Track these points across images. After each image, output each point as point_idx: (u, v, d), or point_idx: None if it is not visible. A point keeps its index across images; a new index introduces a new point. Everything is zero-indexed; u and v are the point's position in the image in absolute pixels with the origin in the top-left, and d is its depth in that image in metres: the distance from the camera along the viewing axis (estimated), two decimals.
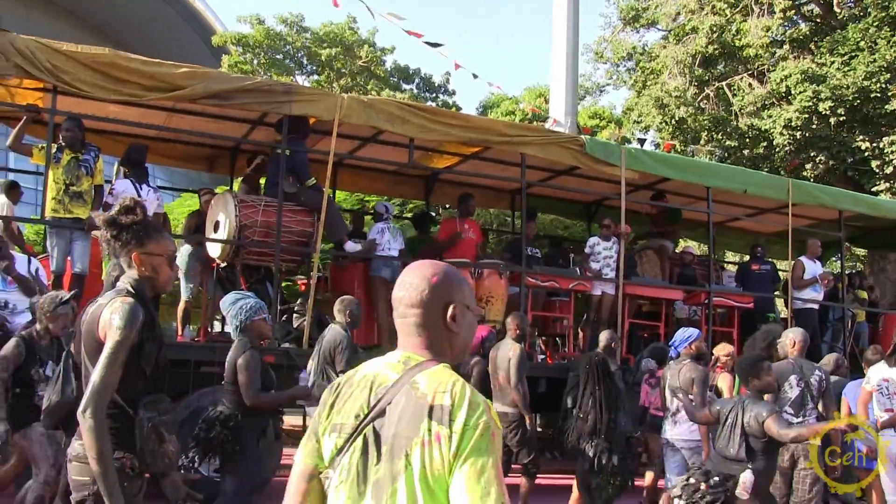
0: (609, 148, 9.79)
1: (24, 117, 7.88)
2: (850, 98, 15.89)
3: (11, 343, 5.79)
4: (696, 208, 11.28)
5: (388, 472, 1.85)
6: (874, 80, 15.75)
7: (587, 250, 9.99)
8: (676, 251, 11.70)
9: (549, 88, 19.28)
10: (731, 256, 16.25)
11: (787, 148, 16.85)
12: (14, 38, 7.54)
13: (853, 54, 16.35)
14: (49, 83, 7.72)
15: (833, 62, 16.59)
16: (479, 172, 10.55)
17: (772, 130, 16.95)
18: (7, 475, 6.04)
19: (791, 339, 6.92)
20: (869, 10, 16.64)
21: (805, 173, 16.99)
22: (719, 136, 18.28)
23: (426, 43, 15.57)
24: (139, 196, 8.06)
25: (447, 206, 12.07)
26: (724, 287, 10.62)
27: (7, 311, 7.38)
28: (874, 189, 16.36)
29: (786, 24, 18.54)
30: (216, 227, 8.55)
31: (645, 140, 24.48)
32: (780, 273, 11.74)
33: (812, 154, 16.85)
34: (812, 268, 10.71)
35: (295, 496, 2.03)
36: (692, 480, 4.98)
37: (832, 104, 15.95)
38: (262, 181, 9.71)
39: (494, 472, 1.78)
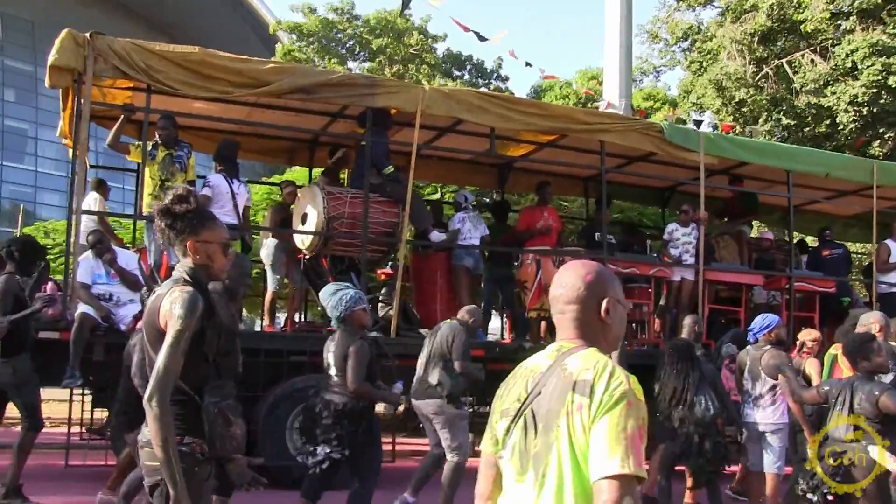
0: (688, 134, 9.77)
1: (122, 116, 8.10)
2: None
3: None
4: (772, 192, 11.18)
5: (544, 444, 2.04)
6: None
7: (666, 237, 9.97)
8: (753, 236, 11.57)
9: (601, 71, 19.10)
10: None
11: (852, 125, 16.46)
12: (111, 40, 7.79)
13: None
14: (144, 83, 7.93)
15: None
16: (553, 160, 10.58)
17: (835, 108, 16.58)
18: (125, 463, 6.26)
19: (876, 323, 6.82)
20: None
21: (872, 151, 16.59)
22: (779, 115, 17.94)
23: (475, 34, 15.52)
24: (232, 190, 8.27)
25: (499, 191, 12.03)
26: (806, 272, 10.50)
27: (111, 303, 7.62)
28: None
29: None
30: (304, 219, 8.72)
31: (701, 122, 24.16)
32: (852, 256, 11.54)
33: (881, 130, 16.42)
34: None
35: (485, 482, 2.27)
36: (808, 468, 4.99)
37: None
38: (343, 174, 9.89)
39: (625, 435, 1.92)
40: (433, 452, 7.04)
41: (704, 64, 19.85)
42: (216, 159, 8.66)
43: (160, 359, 2.81)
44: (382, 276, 10.25)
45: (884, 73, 15.77)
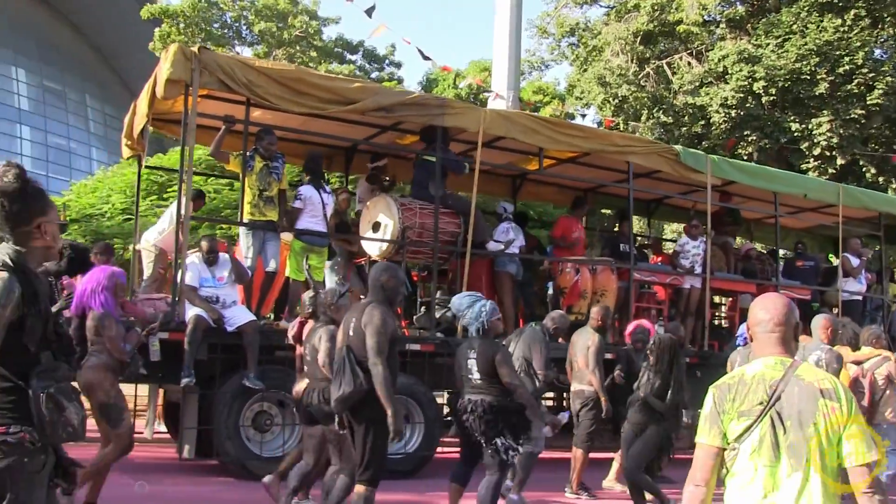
0: (698, 157, 10.97)
1: (223, 127, 8.49)
2: (782, 79, 17.02)
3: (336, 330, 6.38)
4: (744, 207, 12.63)
5: (801, 437, 2.73)
6: (804, 62, 16.93)
7: (677, 248, 11.21)
8: (736, 247, 12.95)
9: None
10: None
11: (723, 126, 17.90)
12: (217, 55, 8.30)
13: (786, 37, 17.44)
14: (244, 96, 8.39)
15: (768, 44, 17.64)
16: (560, 174, 11.58)
17: (709, 108, 17.99)
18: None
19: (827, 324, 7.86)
20: None
21: (740, 151, 18.04)
22: (658, 114, 19.14)
23: (365, 12, 15.62)
24: (322, 200, 8.83)
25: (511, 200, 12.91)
26: (788, 281, 11.95)
27: (217, 305, 8.03)
28: (803, 167, 17.53)
29: (723, 4, 19.75)
30: (376, 227, 9.36)
31: (585, 116, 25.42)
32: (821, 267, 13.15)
33: (746, 133, 17.92)
34: (855, 263, 12.20)
35: (705, 470, 2.86)
36: None
37: (765, 84, 17.04)
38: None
39: (867, 429, 2.83)
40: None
41: (590, 59, 20.88)
42: (305, 171, 9.17)
43: None
44: (416, 278, 10.97)
45: (749, 80, 17.25)
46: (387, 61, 30.14)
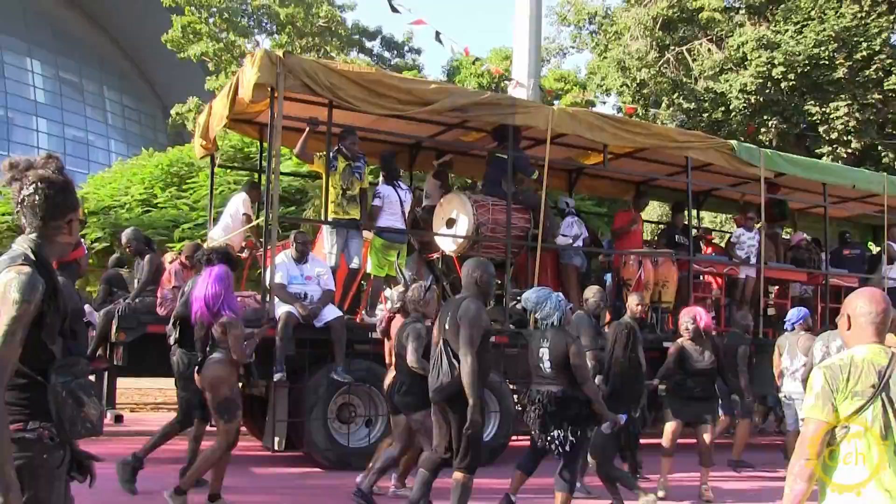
0: (752, 151, 11.25)
1: (307, 129, 8.74)
2: (801, 64, 17.18)
3: (422, 327, 6.56)
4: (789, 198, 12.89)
5: None
6: (823, 48, 17.09)
7: (733, 240, 11.52)
8: (786, 237, 13.25)
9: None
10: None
11: (743, 112, 18.10)
12: (301, 59, 8.54)
13: (805, 23, 17.63)
14: (327, 98, 8.64)
15: (787, 30, 17.82)
16: (615, 168, 11.81)
17: (729, 94, 18.15)
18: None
19: None
20: None
21: (761, 137, 18.09)
22: (679, 100, 19.24)
23: (389, 5, 15.52)
24: (400, 198, 9.10)
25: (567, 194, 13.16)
26: (837, 270, 12.27)
27: (306, 302, 8.30)
28: (818, 152, 17.64)
29: None
30: (450, 223, 9.63)
31: (606, 103, 25.43)
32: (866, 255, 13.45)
33: (766, 118, 18.11)
34: None
35: (816, 445, 3.03)
36: None
37: (784, 70, 17.20)
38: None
39: None
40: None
41: (609, 45, 20.98)
42: (382, 170, 9.44)
43: None
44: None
45: (768, 65, 17.40)
46: (406, 48, 30.27)
